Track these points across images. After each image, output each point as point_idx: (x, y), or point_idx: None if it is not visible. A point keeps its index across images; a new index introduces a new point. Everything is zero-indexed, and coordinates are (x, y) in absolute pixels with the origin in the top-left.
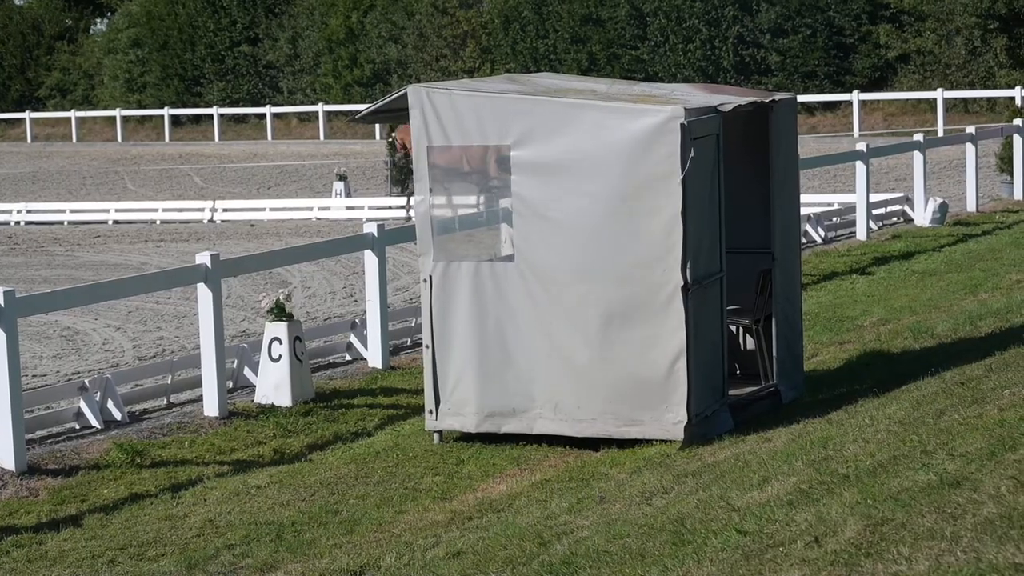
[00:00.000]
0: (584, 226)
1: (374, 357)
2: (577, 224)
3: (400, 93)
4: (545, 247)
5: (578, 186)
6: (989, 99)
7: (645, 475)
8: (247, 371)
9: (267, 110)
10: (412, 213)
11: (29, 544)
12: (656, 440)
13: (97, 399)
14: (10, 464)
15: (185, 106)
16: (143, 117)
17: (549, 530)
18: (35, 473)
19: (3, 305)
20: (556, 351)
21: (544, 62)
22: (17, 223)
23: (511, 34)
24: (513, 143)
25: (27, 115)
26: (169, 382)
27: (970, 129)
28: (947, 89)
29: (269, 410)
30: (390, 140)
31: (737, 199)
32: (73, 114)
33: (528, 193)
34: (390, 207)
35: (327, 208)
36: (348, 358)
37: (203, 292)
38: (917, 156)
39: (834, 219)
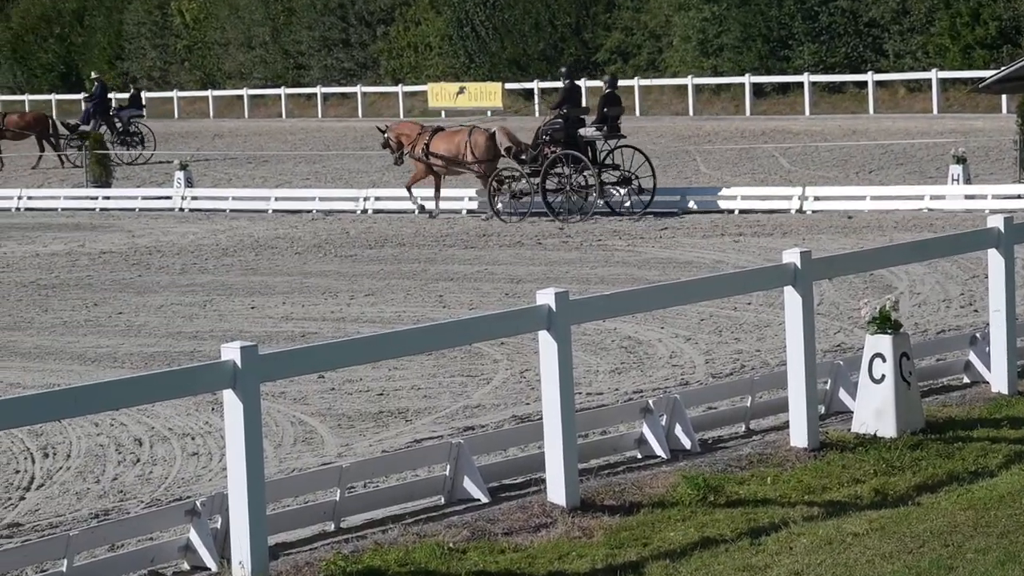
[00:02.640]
0: None
1: (998, 380)
2: None
3: None
4: None
5: None
6: None
7: None
8: (842, 393)
9: (868, 77)
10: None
11: None
12: None
13: (663, 423)
14: (560, 498)
15: (769, 72)
16: (719, 86)
17: None
18: (589, 509)
19: (554, 309)
20: None
21: None
22: None
23: None
24: None
25: (583, 83)
26: (748, 405)
27: None
28: None
29: (869, 441)
30: (384, 135)
31: None
32: (637, 82)
33: None
34: (1020, 196)
35: (941, 197)
36: (966, 380)
37: (791, 296)
38: None
39: None
